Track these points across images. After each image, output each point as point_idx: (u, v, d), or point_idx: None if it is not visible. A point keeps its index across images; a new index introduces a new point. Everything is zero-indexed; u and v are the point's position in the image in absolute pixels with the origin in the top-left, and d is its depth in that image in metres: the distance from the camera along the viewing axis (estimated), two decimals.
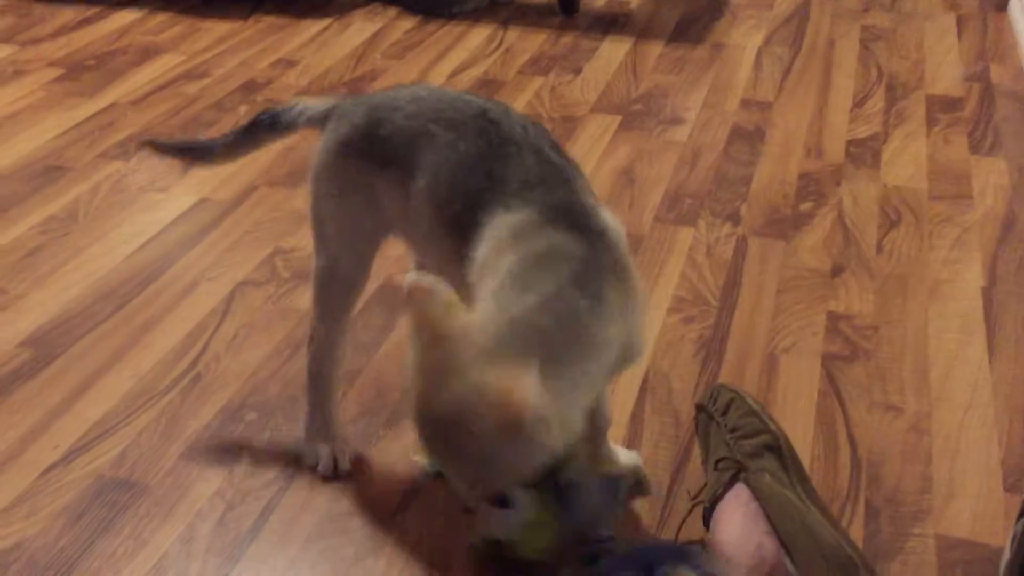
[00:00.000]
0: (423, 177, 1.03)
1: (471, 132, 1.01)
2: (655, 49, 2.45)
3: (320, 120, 1.15)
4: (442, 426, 0.85)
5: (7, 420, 1.31)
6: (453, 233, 1.01)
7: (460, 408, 0.83)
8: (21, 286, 1.59)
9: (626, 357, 0.95)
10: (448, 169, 1.01)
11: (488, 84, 2.27)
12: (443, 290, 0.87)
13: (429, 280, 0.87)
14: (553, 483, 0.94)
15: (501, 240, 0.94)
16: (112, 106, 2.18)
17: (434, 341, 0.85)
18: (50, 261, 1.65)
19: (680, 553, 0.92)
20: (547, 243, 0.91)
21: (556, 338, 0.86)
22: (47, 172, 1.92)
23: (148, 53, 2.46)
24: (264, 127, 1.21)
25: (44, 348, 1.44)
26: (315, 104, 1.18)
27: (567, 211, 0.94)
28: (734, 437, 1.07)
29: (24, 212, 1.79)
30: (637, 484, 1.17)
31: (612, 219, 0.98)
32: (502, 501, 0.90)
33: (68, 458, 1.25)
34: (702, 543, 0.95)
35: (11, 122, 2.12)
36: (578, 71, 2.33)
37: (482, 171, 0.99)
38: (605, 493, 0.98)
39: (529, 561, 1.00)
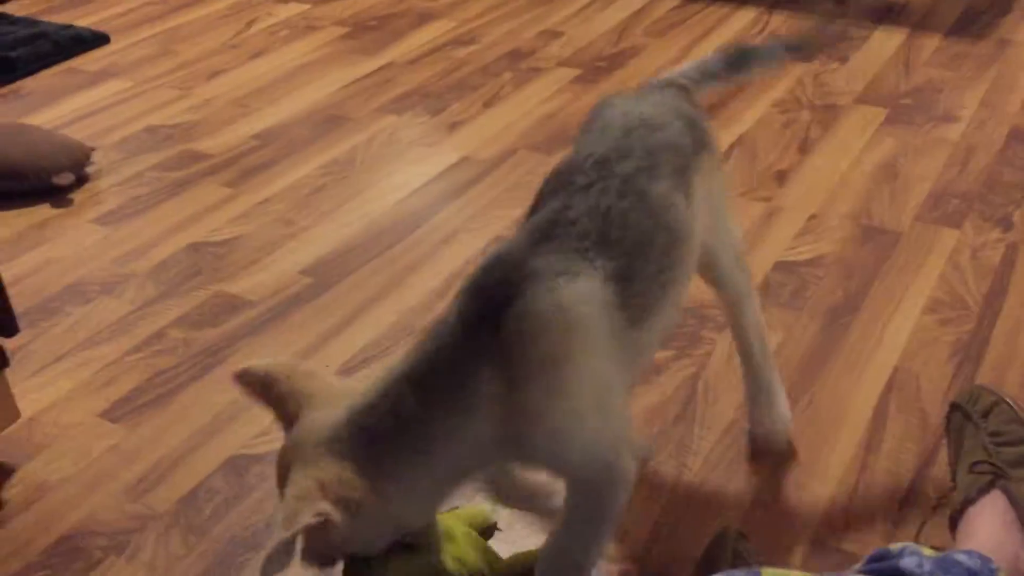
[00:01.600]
0: None
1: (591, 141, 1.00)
2: (932, 42, 2.33)
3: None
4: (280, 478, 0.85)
5: (287, 338, 1.46)
6: None
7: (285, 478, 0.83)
8: (306, 220, 1.75)
9: (525, 456, 0.86)
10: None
11: None
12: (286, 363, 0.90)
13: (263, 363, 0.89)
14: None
15: None
16: (389, 64, 2.34)
17: (299, 404, 0.86)
18: (330, 200, 1.81)
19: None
20: (437, 319, 0.86)
21: (383, 439, 0.81)
22: (330, 120, 2.09)
23: (424, 17, 2.61)
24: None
25: (322, 277, 1.59)
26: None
27: (493, 274, 0.86)
28: (994, 442, 1.03)
29: (310, 155, 1.96)
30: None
31: (566, 295, 0.83)
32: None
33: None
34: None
35: (302, 72, 2.32)
36: (844, 60, 2.26)
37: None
38: None
39: None
